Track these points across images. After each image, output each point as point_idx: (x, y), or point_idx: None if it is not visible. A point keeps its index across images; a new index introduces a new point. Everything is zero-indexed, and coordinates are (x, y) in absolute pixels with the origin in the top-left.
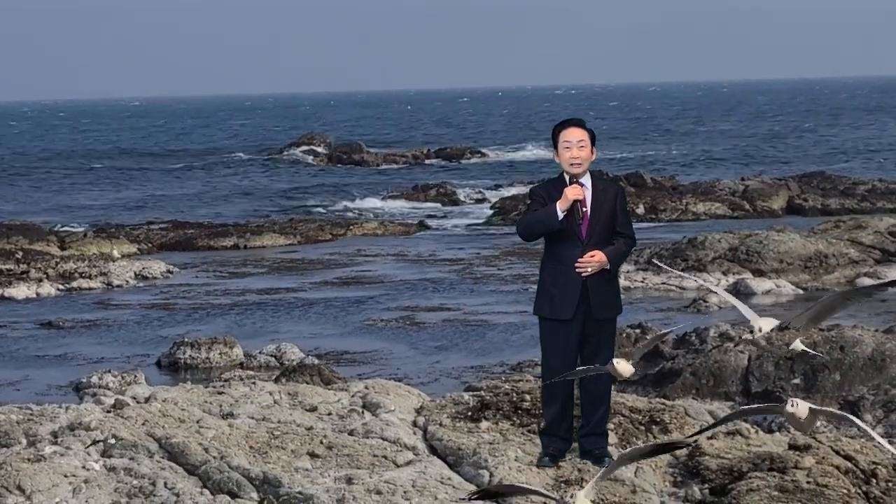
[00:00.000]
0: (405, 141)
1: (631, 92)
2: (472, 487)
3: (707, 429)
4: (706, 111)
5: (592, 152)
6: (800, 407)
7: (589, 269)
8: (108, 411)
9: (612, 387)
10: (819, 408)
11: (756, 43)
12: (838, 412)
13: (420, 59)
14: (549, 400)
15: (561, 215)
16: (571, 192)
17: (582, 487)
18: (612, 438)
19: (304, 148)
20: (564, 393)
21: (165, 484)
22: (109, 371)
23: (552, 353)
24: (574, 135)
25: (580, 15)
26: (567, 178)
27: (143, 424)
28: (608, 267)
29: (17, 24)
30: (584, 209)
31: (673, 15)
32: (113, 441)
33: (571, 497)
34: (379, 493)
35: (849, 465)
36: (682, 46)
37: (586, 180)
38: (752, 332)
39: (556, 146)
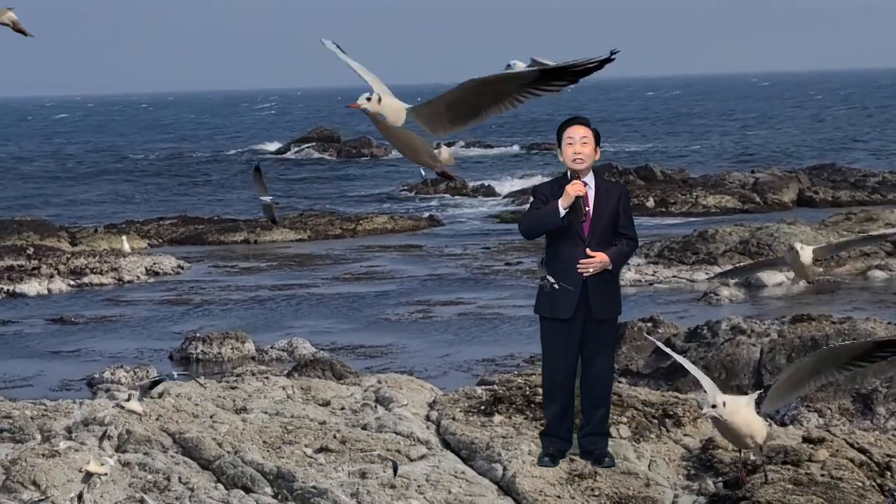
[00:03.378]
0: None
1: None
2: (486, 481)
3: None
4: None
5: (596, 152)
6: (804, 252)
7: (591, 270)
8: (122, 406)
9: (625, 381)
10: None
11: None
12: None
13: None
14: (550, 400)
15: (563, 212)
16: (573, 189)
17: (595, 475)
18: (625, 432)
19: (314, 143)
20: (565, 393)
21: (180, 479)
22: (122, 366)
23: (552, 352)
24: (578, 132)
25: None
26: (570, 175)
27: (156, 420)
28: (610, 267)
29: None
30: (587, 207)
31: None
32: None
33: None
34: (393, 487)
35: (863, 457)
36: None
37: (590, 179)
38: (712, 406)
39: (560, 144)
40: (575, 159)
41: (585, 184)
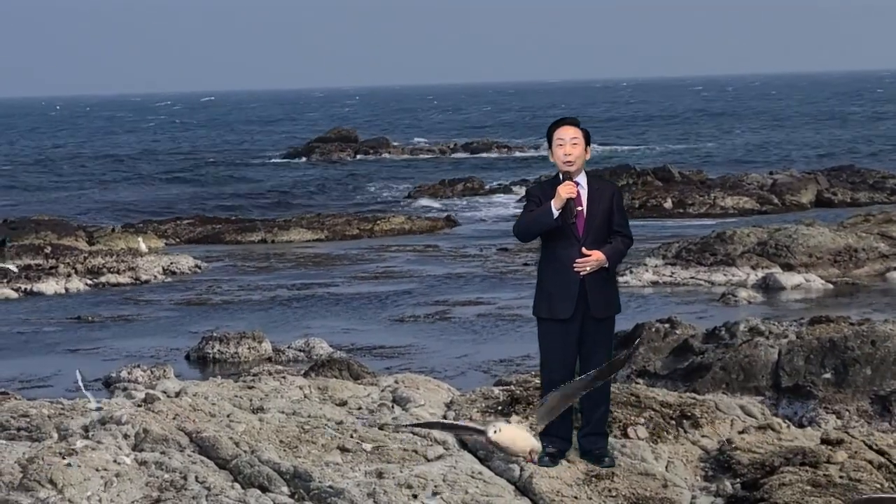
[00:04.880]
0: (432, 134)
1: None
2: (503, 482)
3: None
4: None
5: (587, 151)
6: (503, 433)
7: (587, 268)
8: (139, 406)
9: (643, 381)
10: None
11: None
12: None
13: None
14: None
15: (556, 213)
16: (564, 191)
17: (612, 476)
18: (643, 433)
19: (332, 143)
20: None
21: (197, 478)
22: (139, 366)
23: (552, 352)
24: (567, 132)
25: None
26: (562, 177)
27: (173, 419)
28: (606, 265)
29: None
30: (580, 208)
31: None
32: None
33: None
34: (409, 487)
35: (882, 459)
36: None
37: (582, 179)
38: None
39: (550, 145)
40: (565, 160)
41: (577, 183)
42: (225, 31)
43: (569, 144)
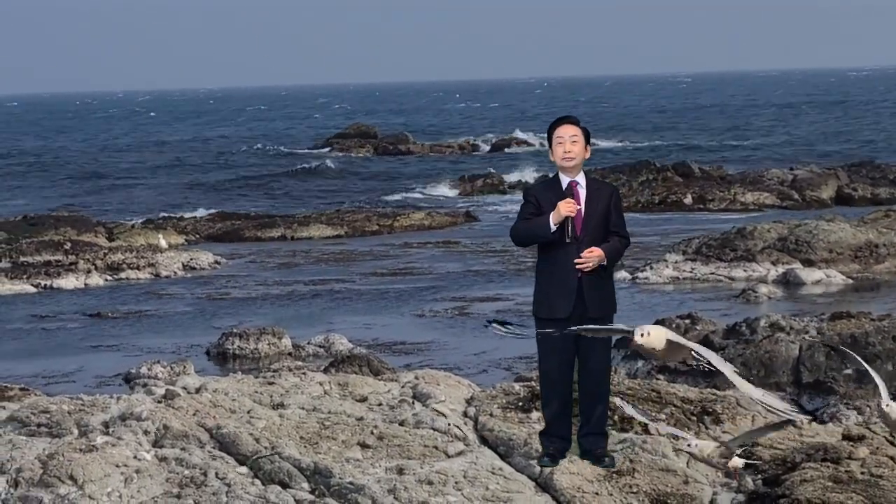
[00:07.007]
0: (451, 131)
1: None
2: (524, 478)
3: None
4: None
5: (587, 150)
6: (652, 336)
7: (589, 265)
8: (159, 402)
9: (663, 378)
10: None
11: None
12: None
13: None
14: (547, 399)
15: (553, 228)
16: (565, 208)
17: (633, 472)
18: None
19: (351, 139)
20: (563, 393)
21: (217, 474)
22: (159, 362)
23: (550, 352)
24: (567, 131)
25: None
26: (561, 177)
27: (193, 415)
28: (604, 263)
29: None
30: (578, 206)
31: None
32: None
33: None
34: (430, 483)
35: None
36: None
37: (581, 178)
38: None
39: (550, 144)
40: (564, 157)
41: (577, 183)
42: (225, 31)
43: (568, 142)
